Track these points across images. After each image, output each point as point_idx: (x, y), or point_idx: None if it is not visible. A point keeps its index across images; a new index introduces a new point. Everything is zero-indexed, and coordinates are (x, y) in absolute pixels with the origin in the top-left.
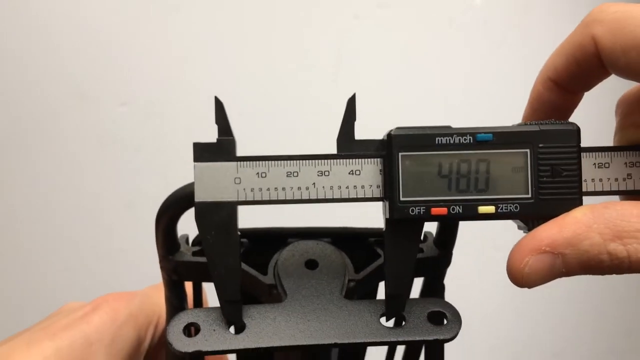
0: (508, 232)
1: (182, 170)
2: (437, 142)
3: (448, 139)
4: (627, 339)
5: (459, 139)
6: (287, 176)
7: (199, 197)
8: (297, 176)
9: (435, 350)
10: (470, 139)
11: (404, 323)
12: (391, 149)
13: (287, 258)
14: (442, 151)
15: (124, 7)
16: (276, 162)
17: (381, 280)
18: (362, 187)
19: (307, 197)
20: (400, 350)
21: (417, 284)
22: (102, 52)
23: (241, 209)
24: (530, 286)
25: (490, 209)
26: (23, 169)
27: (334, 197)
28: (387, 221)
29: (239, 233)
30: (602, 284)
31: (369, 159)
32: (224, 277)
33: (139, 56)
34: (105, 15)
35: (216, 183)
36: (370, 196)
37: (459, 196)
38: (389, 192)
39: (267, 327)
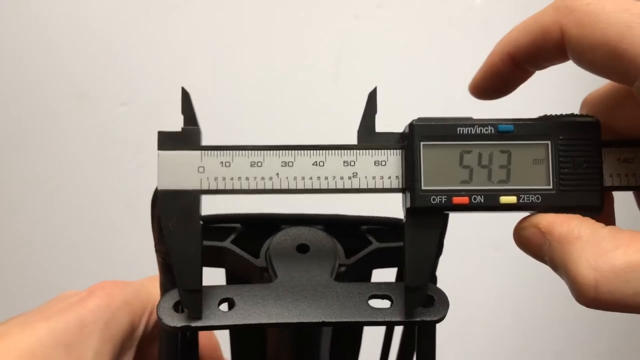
0: (507, 232)
1: None
2: (458, 133)
3: (469, 129)
4: (627, 338)
5: (481, 130)
6: (250, 166)
7: (161, 185)
8: (260, 166)
9: (426, 334)
10: (491, 129)
11: (391, 304)
12: (413, 138)
13: (279, 242)
14: (464, 141)
15: (124, 7)
16: (240, 151)
17: (374, 267)
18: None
19: (271, 187)
20: (397, 337)
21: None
22: (102, 52)
23: (242, 196)
24: (523, 250)
25: (512, 199)
26: (23, 169)
27: (305, 187)
28: (408, 211)
29: (201, 222)
30: None
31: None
32: (184, 266)
33: (139, 56)
34: (105, 15)
35: (179, 171)
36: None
37: (481, 186)
38: (410, 182)
39: (255, 306)
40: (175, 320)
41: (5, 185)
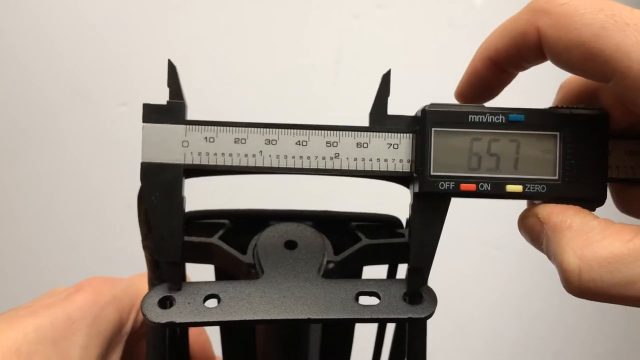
0: (507, 231)
1: None
2: (469, 120)
3: (481, 117)
4: (627, 338)
5: (492, 118)
6: (234, 142)
7: (145, 157)
8: (244, 143)
9: (416, 331)
10: (502, 118)
11: (378, 301)
12: (425, 123)
13: (266, 239)
14: (474, 129)
15: (124, 7)
16: (225, 127)
17: (363, 264)
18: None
19: (254, 164)
20: (389, 334)
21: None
22: (102, 52)
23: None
24: (523, 236)
25: (518, 188)
26: (23, 169)
27: (288, 166)
28: (416, 195)
29: (184, 195)
30: None
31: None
32: (166, 239)
33: (139, 56)
34: (105, 15)
35: (163, 145)
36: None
37: (488, 174)
38: (419, 166)
39: (241, 302)
40: (159, 316)
41: (5, 185)
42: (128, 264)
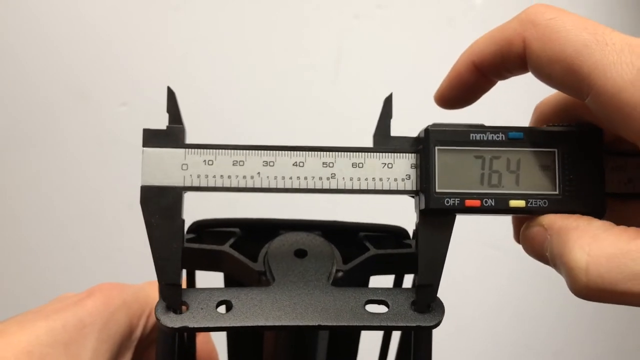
0: (508, 232)
1: None
2: (471, 139)
3: (482, 135)
4: (627, 338)
5: (492, 136)
6: (232, 165)
7: (145, 181)
8: (242, 165)
9: (422, 340)
10: (502, 136)
11: (387, 310)
12: (428, 143)
13: (277, 247)
14: (476, 147)
15: (125, 7)
16: (223, 150)
17: (371, 274)
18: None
19: (252, 186)
20: (394, 342)
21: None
22: (102, 52)
23: (243, 202)
24: (524, 247)
25: (521, 203)
26: (23, 169)
27: (286, 187)
28: (422, 212)
29: (183, 218)
30: None
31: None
32: (166, 261)
33: (140, 56)
34: (105, 15)
35: (163, 168)
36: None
37: (492, 190)
38: (424, 184)
39: (253, 308)
40: (172, 321)
41: (5, 185)
42: (128, 264)
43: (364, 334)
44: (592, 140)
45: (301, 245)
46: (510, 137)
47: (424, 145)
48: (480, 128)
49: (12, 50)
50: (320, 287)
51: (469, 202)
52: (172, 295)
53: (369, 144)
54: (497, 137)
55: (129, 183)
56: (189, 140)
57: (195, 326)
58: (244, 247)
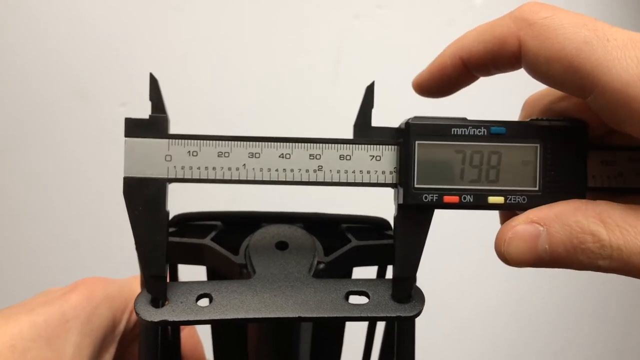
0: None
1: None
2: (452, 133)
3: (463, 130)
4: (627, 338)
5: (474, 131)
6: (217, 156)
7: (127, 172)
8: (227, 156)
9: (405, 330)
10: (484, 131)
11: (367, 301)
12: (409, 136)
13: (258, 240)
14: (457, 142)
15: (125, 7)
16: (208, 141)
17: (353, 265)
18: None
19: (237, 178)
20: (379, 334)
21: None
22: (102, 52)
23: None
24: (511, 258)
25: (500, 199)
26: (23, 169)
27: (272, 179)
28: (400, 207)
29: (167, 210)
30: (602, 283)
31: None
32: (150, 253)
33: (140, 56)
34: (105, 15)
35: (146, 159)
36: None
37: (471, 186)
38: (403, 179)
39: (233, 301)
40: (152, 315)
41: (5, 185)
42: (128, 264)
43: (350, 327)
44: (576, 134)
45: (282, 237)
46: (493, 132)
47: (404, 139)
48: (462, 122)
49: (12, 50)
50: (301, 279)
51: (447, 198)
52: (157, 287)
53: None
54: (479, 131)
55: None
56: (187, 110)
57: (175, 320)
58: (225, 240)
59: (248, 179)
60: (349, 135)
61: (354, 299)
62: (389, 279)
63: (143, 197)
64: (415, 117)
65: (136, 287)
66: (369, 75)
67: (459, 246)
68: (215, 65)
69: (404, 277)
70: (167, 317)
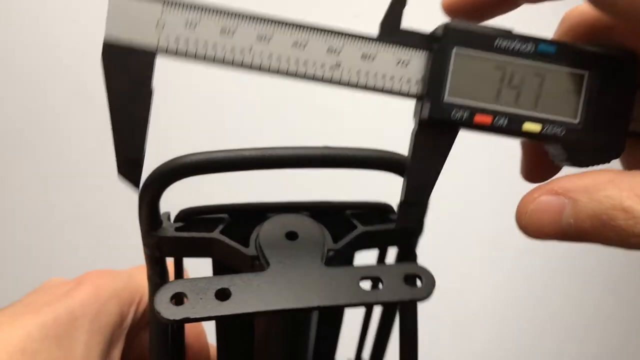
0: (508, 231)
1: None
2: (495, 45)
3: (508, 43)
4: (627, 338)
5: (520, 46)
6: (220, 32)
7: (109, 35)
8: (232, 35)
9: (409, 312)
10: (531, 47)
11: (381, 286)
12: (447, 42)
13: (267, 231)
14: (499, 55)
15: None
16: (211, 12)
17: (357, 249)
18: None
19: (241, 60)
20: (376, 315)
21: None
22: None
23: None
24: (532, 230)
25: (536, 127)
26: (24, 169)
27: (280, 69)
28: (422, 122)
29: (153, 87)
30: (603, 283)
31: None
32: (128, 131)
33: None
34: (105, 15)
35: (134, 23)
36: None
37: (507, 108)
38: (432, 90)
39: (252, 294)
40: (174, 314)
41: (5, 184)
42: (128, 264)
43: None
44: (627, 68)
45: (291, 227)
46: (540, 50)
47: (439, 45)
48: (508, 34)
49: (12, 50)
50: (315, 268)
51: (478, 118)
52: (132, 172)
53: (369, 141)
54: (525, 47)
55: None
56: (188, 110)
57: (197, 316)
58: (234, 233)
59: (254, 63)
60: (350, 135)
61: (367, 284)
62: (399, 263)
63: (126, 68)
64: (455, 21)
65: (141, 279)
66: None
67: (460, 245)
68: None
69: (413, 202)
70: (189, 315)
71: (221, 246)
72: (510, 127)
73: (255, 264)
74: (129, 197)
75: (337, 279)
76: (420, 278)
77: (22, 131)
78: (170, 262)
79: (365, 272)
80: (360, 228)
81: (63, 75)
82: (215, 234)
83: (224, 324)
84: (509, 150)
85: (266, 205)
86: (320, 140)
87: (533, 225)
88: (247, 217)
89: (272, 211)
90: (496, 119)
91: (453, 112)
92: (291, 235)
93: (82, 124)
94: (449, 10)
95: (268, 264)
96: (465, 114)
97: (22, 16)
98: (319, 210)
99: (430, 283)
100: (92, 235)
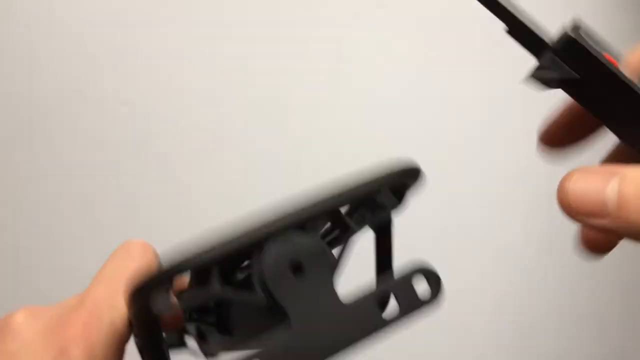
0: (508, 234)
1: (183, 171)
2: None
3: None
4: (627, 338)
5: None
6: None
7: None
8: None
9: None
10: None
11: (396, 303)
12: None
13: (269, 266)
14: None
15: (125, 7)
16: None
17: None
18: None
19: None
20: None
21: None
22: (103, 52)
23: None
24: (574, 197)
25: None
26: (23, 169)
27: None
28: None
29: None
30: (603, 283)
31: None
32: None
33: (140, 56)
34: (106, 15)
35: None
36: None
37: None
38: None
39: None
40: None
41: (5, 185)
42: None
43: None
44: None
45: (293, 255)
46: None
47: None
48: None
49: (12, 50)
50: (336, 306)
51: None
52: None
53: (369, 145)
54: None
55: (129, 183)
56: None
57: None
58: (229, 277)
59: None
60: (350, 135)
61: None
62: (400, 269)
63: None
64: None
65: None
66: (369, 74)
67: (460, 247)
68: (216, 64)
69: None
70: None
71: (226, 300)
72: None
73: (272, 314)
74: (129, 198)
75: (359, 311)
76: (426, 276)
77: (22, 131)
78: None
79: (378, 294)
80: (355, 228)
81: (63, 75)
82: (216, 290)
83: None
84: (509, 152)
85: (253, 236)
86: (320, 141)
87: (575, 191)
88: (237, 256)
89: (261, 240)
90: None
91: None
92: (296, 268)
93: (82, 124)
94: (545, 140)
95: (285, 314)
96: None
97: (22, 16)
98: (310, 218)
99: (437, 287)
100: (92, 235)
